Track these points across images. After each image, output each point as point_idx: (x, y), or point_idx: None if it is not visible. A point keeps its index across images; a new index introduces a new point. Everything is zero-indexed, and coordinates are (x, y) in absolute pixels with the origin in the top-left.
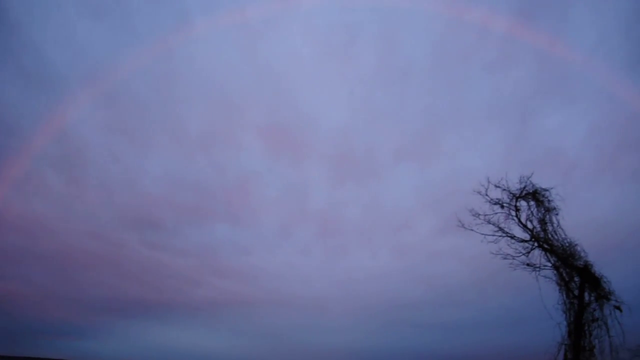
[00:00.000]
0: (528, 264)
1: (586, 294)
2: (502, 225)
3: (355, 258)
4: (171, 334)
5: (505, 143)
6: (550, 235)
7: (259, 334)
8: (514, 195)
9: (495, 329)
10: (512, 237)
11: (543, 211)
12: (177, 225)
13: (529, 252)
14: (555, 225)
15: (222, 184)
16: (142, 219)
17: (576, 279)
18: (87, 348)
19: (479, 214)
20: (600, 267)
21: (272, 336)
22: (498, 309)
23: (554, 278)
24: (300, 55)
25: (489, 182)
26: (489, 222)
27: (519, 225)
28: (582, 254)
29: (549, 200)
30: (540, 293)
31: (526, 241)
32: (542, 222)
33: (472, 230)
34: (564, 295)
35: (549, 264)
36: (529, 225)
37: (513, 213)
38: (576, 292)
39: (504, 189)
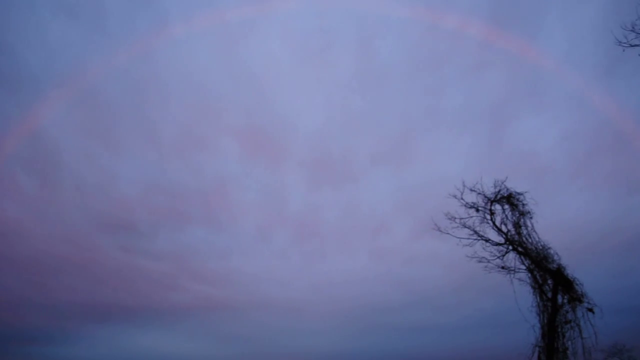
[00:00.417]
0: (503, 267)
1: (559, 297)
2: (477, 229)
3: (333, 261)
4: (147, 339)
5: (480, 148)
6: (524, 239)
7: (236, 338)
8: (488, 199)
9: (471, 331)
10: (487, 240)
11: (517, 215)
12: (153, 228)
13: (503, 255)
14: (529, 228)
15: (198, 187)
16: (117, 223)
17: (549, 281)
18: (59, 354)
19: (455, 218)
20: (573, 269)
21: (250, 340)
22: (474, 311)
23: (528, 281)
24: (278, 59)
25: (464, 186)
26: (464, 225)
27: (494, 229)
28: (555, 257)
29: (523, 204)
30: (515, 296)
31: (501, 244)
32: (517, 225)
33: (448, 233)
34: (538, 298)
35: (523, 267)
36: (504, 228)
37: (488, 217)
38: (550, 295)
39: (479, 193)
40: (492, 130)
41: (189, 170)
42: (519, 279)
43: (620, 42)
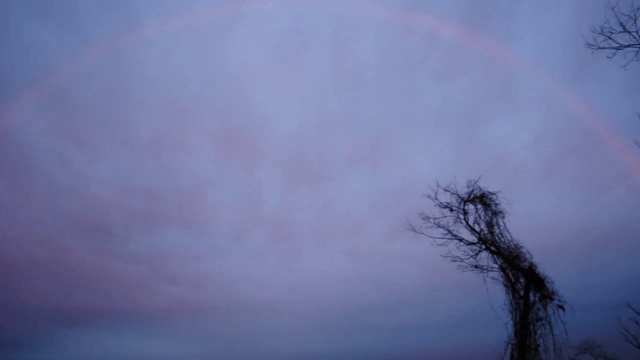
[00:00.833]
0: (476, 266)
1: (531, 294)
2: (451, 228)
3: (309, 262)
4: (122, 343)
5: (454, 149)
6: (497, 238)
7: (212, 339)
8: (462, 198)
9: (446, 329)
10: (461, 239)
11: (490, 214)
12: (126, 231)
13: (476, 254)
14: (501, 227)
15: (173, 189)
16: (90, 225)
17: (522, 279)
18: None
19: (429, 218)
20: (544, 268)
21: (226, 341)
22: (449, 310)
23: (501, 279)
24: (253, 60)
25: (438, 186)
26: (438, 225)
27: (467, 228)
28: (527, 256)
29: (495, 204)
30: (488, 294)
31: (474, 244)
32: (489, 224)
33: (422, 233)
34: (510, 296)
35: (496, 266)
36: (477, 228)
37: (461, 216)
38: (522, 293)
39: (453, 193)
40: (466, 132)
41: (164, 171)
42: (492, 278)
43: (589, 44)
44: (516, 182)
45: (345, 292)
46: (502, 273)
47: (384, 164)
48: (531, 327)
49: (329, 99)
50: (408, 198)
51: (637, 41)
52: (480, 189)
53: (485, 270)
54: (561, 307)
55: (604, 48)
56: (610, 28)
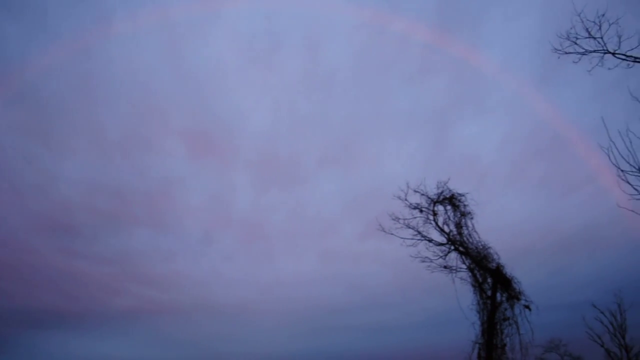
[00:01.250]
0: (445, 267)
1: (498, 294)
2: (420, 229)
3: (281, 263)
4: (88, 345)
5: (424, 151)
6: (465, 239)
7: (183, 342)
8: (432, 200)
9: (417, 330)
10: (430, 240)
11: (459, 215)
12: (95, 231)
13: (445, 255)
14: (470, 228)
15: (143, 189)
16: (58, 225)
17: (489, 280)
18: None
19: (399, 218)
20: (511, 268)
21: (196, 344)
22: (420, 310)
23: (469, 280)
24: (225, 60)
25: (408, 187)
26: (408, 226)
27: (437, 229)
28: (495, 256)
29: (464, 205)
30: (457, 294)
31: (443, 244)
32: (458, 225)
33: (392, 234)
34: (478, 296)
35: (465, 266)
36: (446, 229)
37: (431, 217)
38: (489, 293)
39: (423, 194)
40: (436, 134)
41: (133, 171)
42: (461, 278)
43: (556, 49)
44: (485, 184)
45: (317, 293)
46: (470, 273)
47: (355, 165)
48: (498, 326)
49: (301, 100)
50: (379, 199)
51: (602, 47)
52: (450, 191)
53: (454, 271)
54: (527, 307)
55: (570, 53)
56: (576, 34)
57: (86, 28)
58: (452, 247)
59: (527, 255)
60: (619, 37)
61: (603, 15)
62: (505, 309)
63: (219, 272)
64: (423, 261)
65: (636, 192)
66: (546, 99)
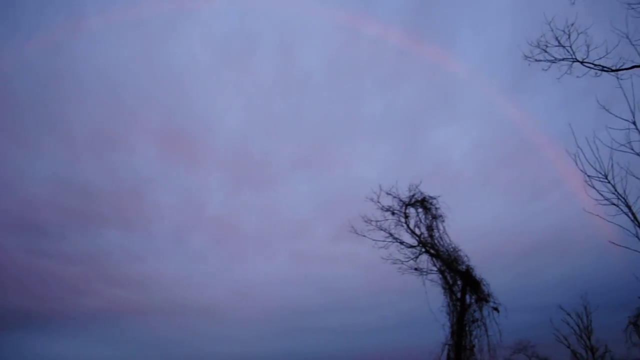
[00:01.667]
0: (416, 269)
1: (467, 296)
2: (392, 232)
3: (252, 264)
4: (57, 347)
5: (396, 155)
6: (436, 241)
7: (153, 343)
8: (404, 202)
9: (388, 331)
10: (402, 242)
11: (430, 218)
12: (63, 230)
13: (416, 257)
14: (441, 231)
15: (113, 188)
16: (24, 224)
17: (459, 282)
18: None
19: (371, 221)
20: (481, 271)
21: (167, 345)
22: (391, 312)
23: (439, 282)
24: (198, 60)
25: (381, 189)
26: (380, 228)
27: (408, 232)
28: (465, 259)
29: (435, 208)
30: (427, 296)
31: (414, 247)
32: (429, 228)
33: (364, 236)
34: (448, 298)
35: (435, 269)
36: (417, 231)
37: (403, 220)
38: (459, 295)
39: (395, 197)
40: (408, 138)
41: (103, 170)
42: (431, 280)
43: (526, 57)
44: (455, 188)
45: (288, 295)
46: (440, 276)
47: (328, 167)
48: (467, 328)
49: (275, 102)
50: (352, 201)
51: (571, 55)
52: (422, 194)
53: (425, 273)
54: (496, 308)
55: (540, 61)
56: (546, 42)
57: (57, 24)
58: (423, 250)
59: (496, 258)
60: (588, 46)
61: (572, 24)
62: (474, 311)
63: (190, 272)
64: (394, 263)
65: (602, 198)
66: (516, 106)
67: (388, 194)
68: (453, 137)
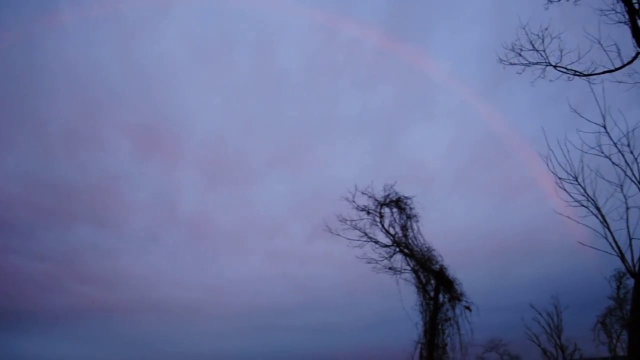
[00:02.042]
0: (390, 268)
1: (441, 295)
2: (367, 231)
3: (227, 263)
4: (27, 345)
5: (372, 155)
6: (410, 241)
7: (126, 341)
8: (379, 202)
9: (362, 330)
10: (376, 242)
11: (405, 218)
12: (33, 226)
13: (391, 257)
14: (415, 231)
15: (85, 185)
16: None
17: (432, 281)
18: None
19: (346, 220)
20: (454, 270)
21: (140, 343)
22: (365, 311)
23: (413, 281)
24: (175, 58)
25: (356, 189)
26: (355, 227)
27: (383, 231)
28: (438, 259)
29: (410, 208)
30: (401, 295)
31: (389, 246)
32: (404, 228)
33: (339, 235)
34: (421, 297)
35: (409, 268)
36: (392, 231)
37: (377, 219)
38: (432, 294)
39: (370, 196)
40: (384, 139)
41: (76, 166)
42: (405, 279)
43: (501, 60)
44: (430, 188)
45: (264, 293)
46: (414, 275)
47: (304, 166)
48: (440, 326)
49: (251, 101)
50: (327, 201)
51: (544, 59)
52: (396, 194)
53: (399, 272)
54: (468, 307)
55: (514, 64)
56: (521, 46)
57: (30, 17)
58: (398, 249)
59: (469, 258)
60: (561, 50)
61: (546, 29)
62: (447, 310)
63: (164, 271)
64: (369, 262)
65: (572, 199)
66: (491, 108)
67: (363, 193)
68: (428, 138)
